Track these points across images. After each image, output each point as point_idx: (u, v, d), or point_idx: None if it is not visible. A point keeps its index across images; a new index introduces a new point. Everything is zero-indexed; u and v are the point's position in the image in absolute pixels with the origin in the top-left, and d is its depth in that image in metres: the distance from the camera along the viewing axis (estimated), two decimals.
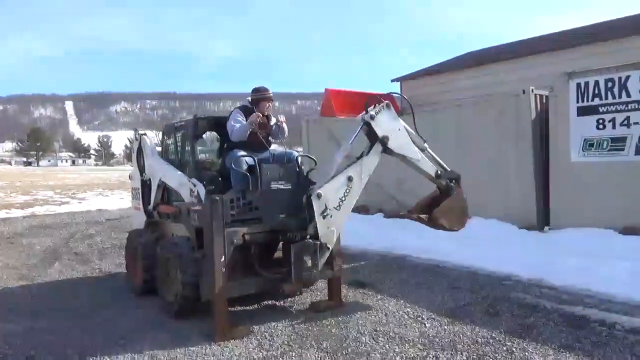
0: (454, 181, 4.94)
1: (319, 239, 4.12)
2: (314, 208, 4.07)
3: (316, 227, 4.11)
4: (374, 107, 4.45)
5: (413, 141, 4.66)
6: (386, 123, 4.45)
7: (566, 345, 3.97)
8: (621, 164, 7.06)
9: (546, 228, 7.94)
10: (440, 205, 4.86)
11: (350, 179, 4.24)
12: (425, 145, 4.78)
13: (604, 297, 5.13)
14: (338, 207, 4.17)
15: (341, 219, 4.24)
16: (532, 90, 8.10)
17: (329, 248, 4.20)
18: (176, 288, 4.77)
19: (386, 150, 4.48)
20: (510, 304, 5.09)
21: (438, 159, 4.93)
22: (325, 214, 4.11)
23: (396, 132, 4.50)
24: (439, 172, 4.82)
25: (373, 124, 4.38)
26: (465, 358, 3.81)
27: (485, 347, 4.01)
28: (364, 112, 4.42)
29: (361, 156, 4.43)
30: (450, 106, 10.14)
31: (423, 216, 4.89)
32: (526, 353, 3.85)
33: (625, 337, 4.12)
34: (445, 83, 14.09)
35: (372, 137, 4.45)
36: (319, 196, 4.10)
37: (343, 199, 4.20)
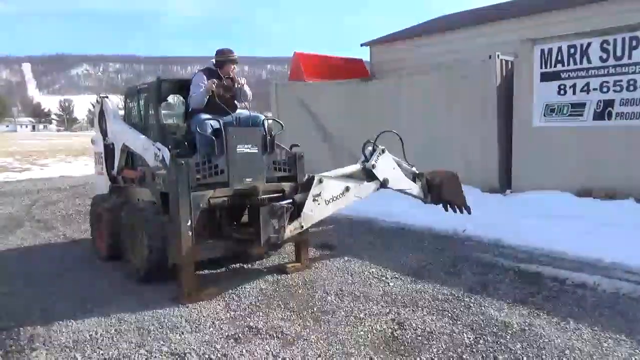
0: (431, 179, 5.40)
1: (301, 213, 4.27)
2: (312, 188, 4.32)
3: (303, 199, 4.30)
4: (372, 154, 4.83)
5: (402, 168, 5.10)
6: (384, 167, 4.90)
7: (520, 300, 4.21)
8: (579, 129, 7.30)
9: (508, 191, 8.21)
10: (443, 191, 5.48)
11: (347, 189, 4.60)
12: (414, 169, 5.28)
13: (557, 255, 5.42)
14: (327, 202, 4.47)
15: (323, 212, 4.50)
16: (498, 56, 8.20)
17: (302, 226, 4.37)
18: (142, 253, 4.75)
19: (384, 187, 4.91)
20: (470, 263, 5.32)
21: (415, 169, 5.34)
22: (316, 198, 4.35)
23: (392, 172, 4.97)
24: (425, 192, 5.35)
25: (374, 170, 4.79)
26: (425, 314, 3.98)
27: (445, 303, 4.20)
28: (363, 158, 4.85)
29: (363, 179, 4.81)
30: (417, 71, 10.18)
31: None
32: (482, 307, 4.05)
33: (574, 291, 4.39)
34: (413, 48, 14.05)
35: (372, 177, 4.83)
36: (320, 181, 4.37)
37: (334, 199, 4.52)
